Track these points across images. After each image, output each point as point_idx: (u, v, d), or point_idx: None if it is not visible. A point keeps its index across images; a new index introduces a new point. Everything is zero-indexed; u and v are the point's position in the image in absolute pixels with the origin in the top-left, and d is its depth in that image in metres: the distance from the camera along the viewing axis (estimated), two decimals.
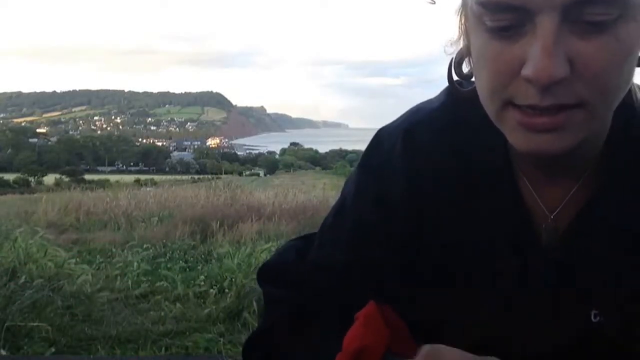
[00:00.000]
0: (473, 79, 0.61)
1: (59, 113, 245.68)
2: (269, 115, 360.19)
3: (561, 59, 0.48)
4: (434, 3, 0.63)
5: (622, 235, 0.59)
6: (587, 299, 0.61)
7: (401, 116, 0.72)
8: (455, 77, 0.65)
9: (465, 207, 0.64)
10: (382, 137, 0.71)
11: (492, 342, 0.64)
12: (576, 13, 0.47)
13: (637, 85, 0.61)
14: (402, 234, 0.68)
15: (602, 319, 0.61)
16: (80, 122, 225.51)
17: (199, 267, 5.71)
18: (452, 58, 0.64)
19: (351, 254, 0.70)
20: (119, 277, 5.13)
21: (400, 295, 0.67)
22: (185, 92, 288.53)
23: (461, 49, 0.62)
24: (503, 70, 0.51)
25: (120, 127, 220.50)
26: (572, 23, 0.48)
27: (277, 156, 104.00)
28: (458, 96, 0.65)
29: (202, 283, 4.79)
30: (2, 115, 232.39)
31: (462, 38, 0.62)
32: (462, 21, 0.59)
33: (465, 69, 0.64)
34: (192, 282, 4.90)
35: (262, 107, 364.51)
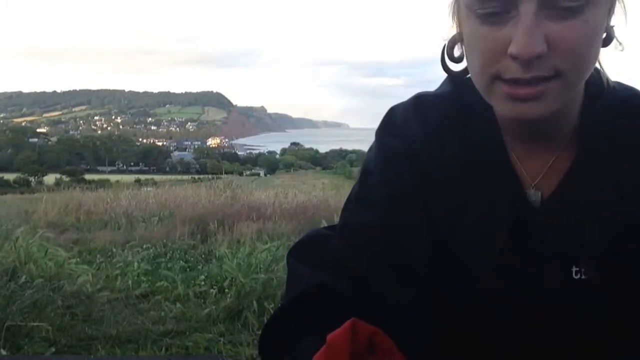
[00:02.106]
0: (463, 62, 0.71)
1: (59, 113, 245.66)
2: (269, 115, 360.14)
3: (540, 38, 0.57)
4: None
5: (601, 197, 0.66)
6: (568, 256, 0.66)
7: None
8: (447, 61, 0.74)
9: (462, 170, 0.70)
10: (394, 109, 0.78)
11: (481, 309, 0.68)
12: (551, 1, 0.57)
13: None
14: (428, 190, 0.71)
15: (584, 276, 0.66)
16: (81, 122, 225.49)
17: (199, 267, 5.71)
18: (445, 44, 0.72)
19: (386, 211, 0.70)
20: (119, 277, 5.13)
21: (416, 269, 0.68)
22: (185, 92, 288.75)
23: (454, 35, 0.71)
24: (492, 50, 0.61)
25: (121, 127, 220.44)
26: (548, 9, 0.58)
27: (277, 156, 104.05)
28: (453, 77, 0.74)
29: (202, 283, 4.79)
30: (2, 115, 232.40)
31: (454, 26, 0.70)
32: (455, 11, 0.68)
33: (456, 53, 0.72)
34: (192, 282, 4.89)
35: (262, 107, 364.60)
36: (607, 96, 0.68)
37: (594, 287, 0.65)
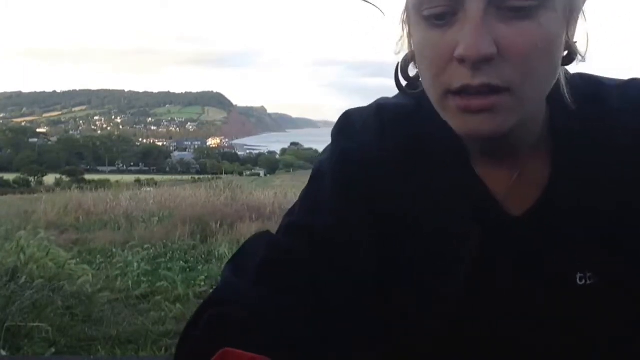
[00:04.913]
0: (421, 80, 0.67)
1: (59, 113, 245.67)
2: (269, 115, 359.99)
3: (488, 38, 0.54)
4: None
5: (588, 203, 0.63)
6: (567, 264, 0.64)
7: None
8: (403, 82, 0.70)
9: (421, 183, 0.68)
10: (354, 113, 0.75)
11: (461, 328, 0.65)
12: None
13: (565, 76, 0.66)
14: (381, 200, 0.68)
15: (590, 281, 0.63)
16: (81, 122, 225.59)
17: (200, 267, 5.71)
18: (398, 63, 0.69)
19: (336, 215, 0.67)
20: (119, 278, 5.13)
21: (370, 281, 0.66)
22: (185, 92, 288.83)
23: (407, 55, 0.68)
24: (440, 56, 0.57)
25: (121, 127, 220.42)
26: (497, 9, 0.54)
27: (277, 156, 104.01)
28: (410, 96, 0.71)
29: (203, 283, 4.80)
30: (2, 115, 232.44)
31: (406, 44, 0.67)
32: (406, 27, 0.65)
33: (411, 73, 0.69)
34: (193, 282, 4.90)
35: (262, 107, 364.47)
36: (568, 111, 0.64)
37: (602, 290, 0.63)
